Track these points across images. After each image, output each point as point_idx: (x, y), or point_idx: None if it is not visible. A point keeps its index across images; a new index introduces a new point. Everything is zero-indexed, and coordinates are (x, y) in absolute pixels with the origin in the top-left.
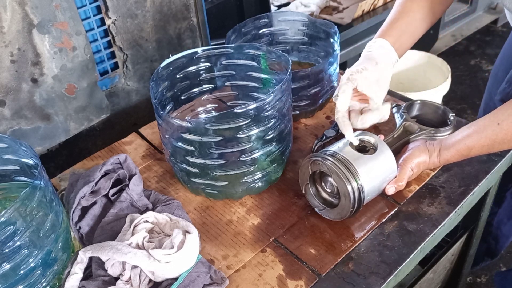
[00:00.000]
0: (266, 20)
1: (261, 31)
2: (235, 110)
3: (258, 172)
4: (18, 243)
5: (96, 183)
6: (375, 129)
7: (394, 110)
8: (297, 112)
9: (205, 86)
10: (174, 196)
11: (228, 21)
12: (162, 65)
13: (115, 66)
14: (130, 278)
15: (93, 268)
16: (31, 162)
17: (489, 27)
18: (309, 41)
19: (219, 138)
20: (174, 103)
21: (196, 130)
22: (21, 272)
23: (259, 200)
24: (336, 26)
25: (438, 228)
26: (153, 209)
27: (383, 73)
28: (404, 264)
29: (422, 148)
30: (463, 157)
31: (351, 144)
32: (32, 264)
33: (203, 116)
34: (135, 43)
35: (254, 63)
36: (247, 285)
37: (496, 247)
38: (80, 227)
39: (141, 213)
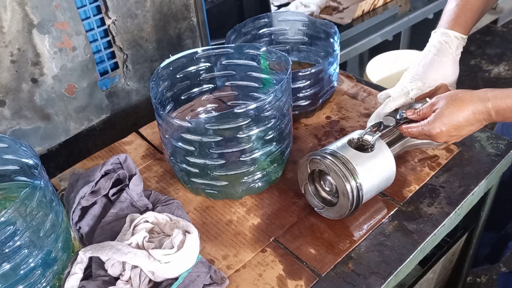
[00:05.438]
0: (266, 20)
1: (261, 31)
2: (235, 110)
3: (258, 172)
4: (18, 243)
5: (96, 183)
6: None
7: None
8: (297, 112)
9: (205, 86)
10: (174, 196)
11: (228, 21)
12: (162, 65)
13: (115, 66)
14: (130, 278)
15: (93, 268)
16: (31, 162)
17: (489, 27)
18: (309, 41)
19: (219, 138)
20: (174, 103)
21: (196, 130)
22: (21, 272)
23: (259, 200)
24: (336, 26)
25: (438, 228)
26: (153, 209)
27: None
28: (404, 264)
29: (467, 98)
30: None
31: (349, 143)
32: (32, 264)
33: (203, 116)
34: (135, 43)
35: (254, 63)
36: (247, 285)
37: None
38: (80, 227)
39: (141, 213)
